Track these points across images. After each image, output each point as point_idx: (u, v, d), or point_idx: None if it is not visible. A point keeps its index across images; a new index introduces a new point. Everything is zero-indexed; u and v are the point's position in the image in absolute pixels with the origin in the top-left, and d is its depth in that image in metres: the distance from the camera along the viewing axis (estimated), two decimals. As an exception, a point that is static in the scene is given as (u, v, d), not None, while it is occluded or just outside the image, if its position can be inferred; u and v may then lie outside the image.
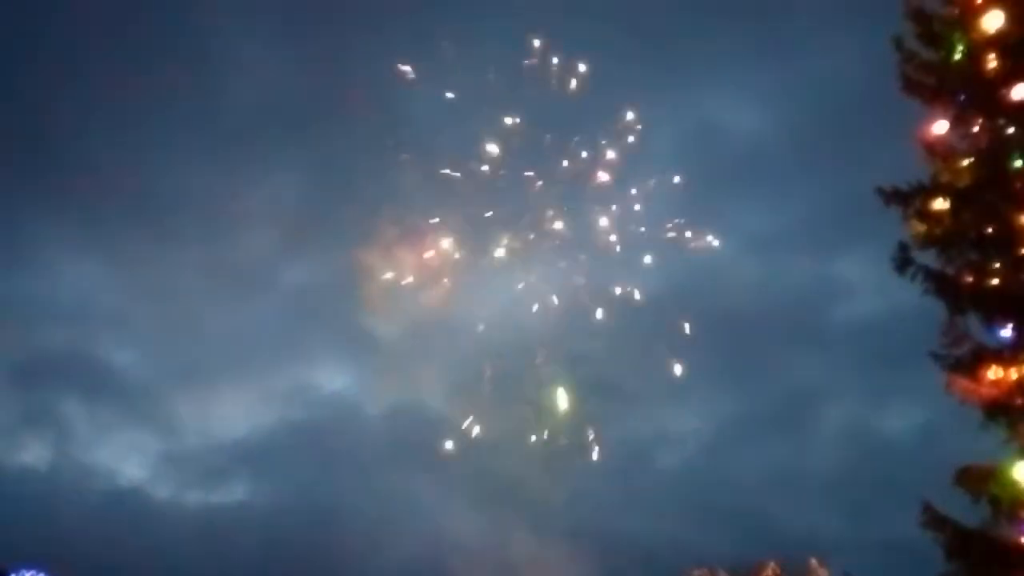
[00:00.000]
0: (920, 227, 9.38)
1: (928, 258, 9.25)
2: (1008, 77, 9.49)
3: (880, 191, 9.66)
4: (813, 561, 27.44)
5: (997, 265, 9.10)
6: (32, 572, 28.88)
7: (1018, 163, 9.35)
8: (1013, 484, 8.04)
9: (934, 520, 8.05)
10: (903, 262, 9.17)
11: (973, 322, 8.98)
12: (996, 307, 8.79)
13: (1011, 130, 9.45)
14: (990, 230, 9.23)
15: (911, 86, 10.00)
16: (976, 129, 9.75)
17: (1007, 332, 8.77)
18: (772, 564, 28.95)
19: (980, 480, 8.30)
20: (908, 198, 9.49)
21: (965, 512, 8.05)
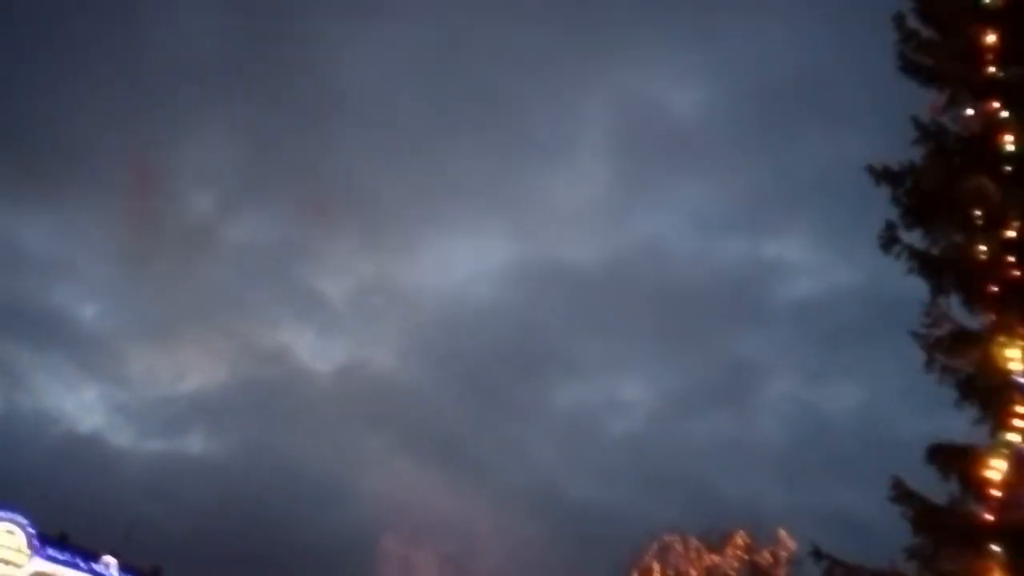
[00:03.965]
0: (907, 206, 9.43)
1: (913, 238, 9.33)
2: (1005, 60, 9.47)
3: (871, 169, 9.70)
4: (782, 532, 27.83)
5: (982, 248, 9.15)
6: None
7: (1010, 147, 9.36)
8: (982, 462, 8.19)
9: (903, 495, 8.23)
10: (889, 241, 9.25)
11: (954, 303, 9.07)
12: (978, 289, 8.87)
13: (1005, 114, 9.45)
14: (978, 213, 9.27)
15: (908, 66, 9.98)
16: (970, 111, 9.76)
17: (987, 314, 8.87)
18: (741, 533, 29.34)
19: (951, 458, 8.46)
20: (898, 177, 9.53)
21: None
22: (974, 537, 8.10)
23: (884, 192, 9.68)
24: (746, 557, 30.21)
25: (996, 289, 8.69)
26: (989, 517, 8.22)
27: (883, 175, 9.67)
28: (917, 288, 9.21)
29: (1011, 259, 8.38)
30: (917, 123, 9.76)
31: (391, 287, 60.20)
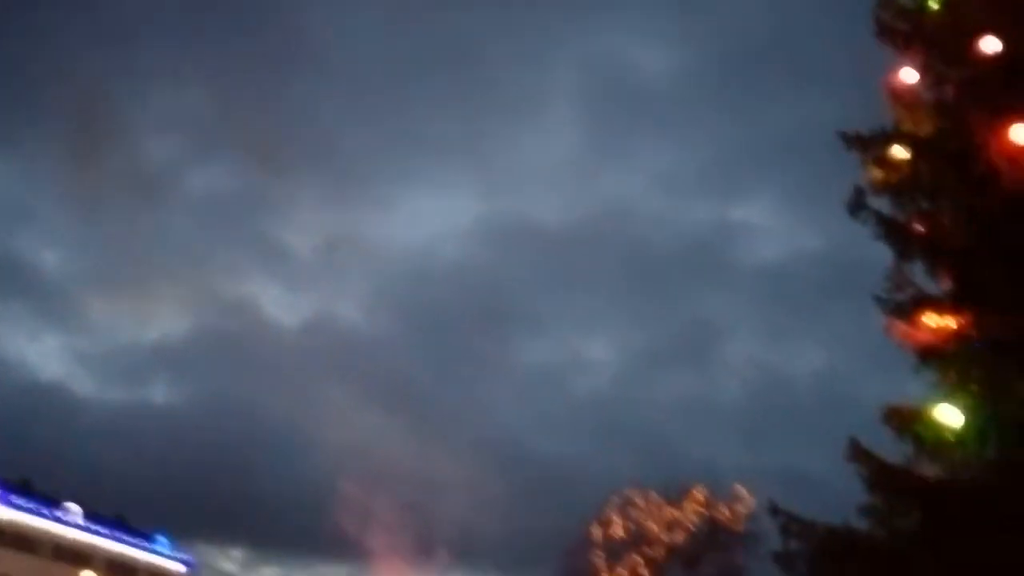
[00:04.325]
0: (877, 173, 9.55)
1: (882, 204, 9.47)
2: (981, 30, 9.51)
3: (842, 135, 9.79)
4: (740, 488, 28.62)
5: (948, 216, 9.30)
6: None
7: (980, 117, 9.44)
8: (937, 424, 8.45)
9: (859, 454, 8.47)
10: (857, 206, 9.38)
11: (918, 270, 9.25)
12: (941, 257, 9.04)
13: (977, 83, 9.53)
14: (945, 181, 9.40)
15: (884, 32, 10.03)
16: (944, 79, 9.85)
17: (949, 282, 9.06)
18: (700, 489, 30.07)
19: (907, 419, 8.71)
20: (868, 143, 9.63)
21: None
22: (925, 495, 8.36)
23: (853, 158, 9.80)
24: (705, 512, 31.05)
25: (958, 257, 8.85)
26: (941, 476, 8.49)
27: (854, 141, 9.77)
28: (881, 253, 9.39)
29: (975, 228, 8.53)
30: (890, 89, 9.85)
31: (358, 241, 59.95)
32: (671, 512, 30.45)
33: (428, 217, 63.97)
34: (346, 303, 64.22)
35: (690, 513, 30.23)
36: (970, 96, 9.46)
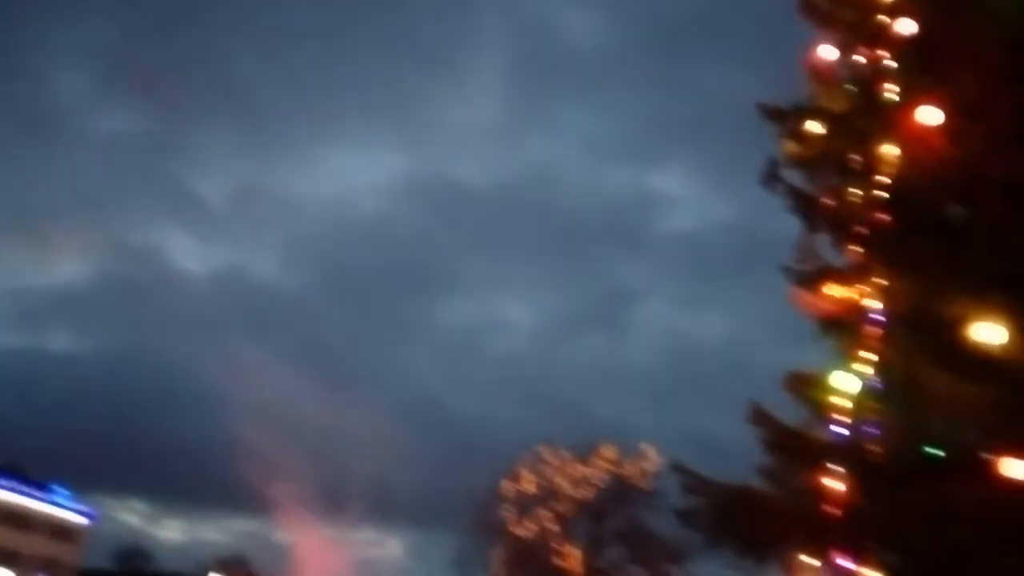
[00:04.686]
0: (792, 146, 9.81)
1: (794, 177, 9.75)
2: (897, 11, 9.78)
3: (761, 107, 10.01)
4: (645, 447, 29.59)
5: (856, 191, 9.63)
6: None
7: (891, 96, 9.76)
8: (833, 390, 8.86)
9: (759, 417, 8.81)
10: (770, 177, 9.64)
11: (824, 242, 9.59)
12: (847, 230, 9.39)
13: (891, 63, 9.83)
14: (856, 157, 9.72)
15: (805, 7, 10.25)
16: (860, 58, 10.12)
17: (853, 254, 9.42)
18: (609, 447, 30.95)
19: (804, 385, 9.11)
20: (785, 117, 9.87)
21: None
22: (819, 457, 8.76)
23: (769, 131, 10.04)
24: (613, 469, 31.94)
25: (864, 231, 9.19)
26: (834, 439, 8.92)
27: (771, 114, 10.01)
28: (790, 226, 9.70)
29: (880, 204, 8.87)
30: (808, 66, 10.09)
31: (276, 193, 58.52)
32: (581, 469, 31.21)
33: (348, 171, 62.83)
34: (260, 255, 62.87)
35: (599, 470, 31.06)
36: (884, 76, 9.76)
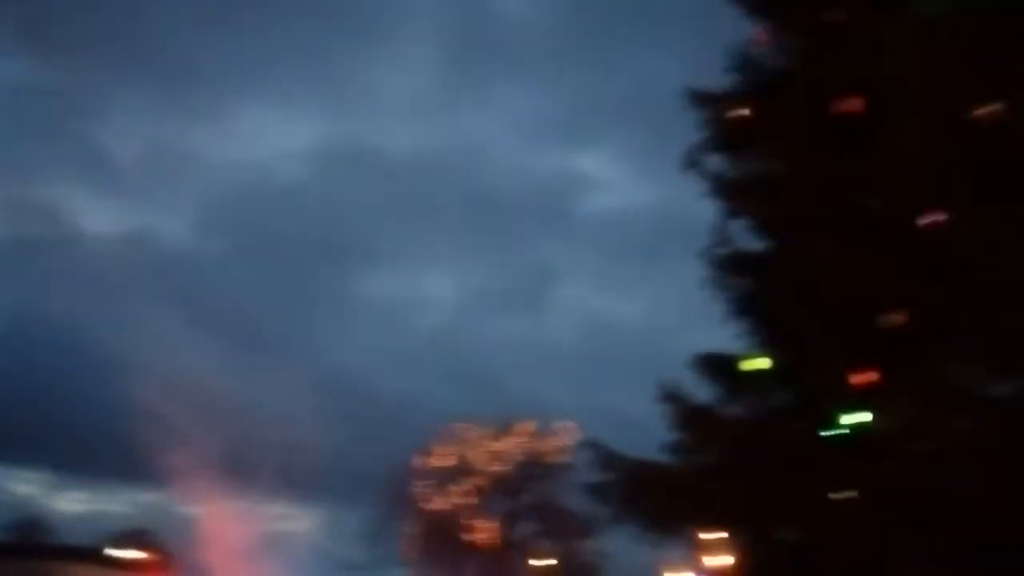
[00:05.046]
0: (715, 132, 9.96)
1: (715, 162, 9.91)
2: (824, 4, 9.90)
3: (687, 92, 10.09)
4: (565, 423, 30.03)
5: (775, 177, 9.84)
6: None
7: (816, 85, 9.92)
8: (741, 372, 9.12)
9: (670, 396, 9.00)
10: (692, 161, 9.76)
11: (740, 227, 9.80)
12: (763, 217, 9.60)
13: (820, 51, 9.96)
14: (775, 145, 9.90)
15: (738, -6, 10.36)
16: (786, 48, 10.29)
17: (767, 239, 9.67)
18: (526, 424, 31.29)
19: (715, 366, 9.35)
20: (710, 102, 10.00)
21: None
22: (726, 434, 9.02)
23: (693, 116, 10.15)
24: (529, 445, 32.22)
25: (779, 216, 9.41)
26: (740, 419, 9.20)
27: (698, 98, 10.12)
28: (708, 210, 9.87)
29: (796, 190, 9.09)
30: (736, 53, 10.22)
31: (191, 154, 56.37)
32: (497, 444, 31.43)
33: (269, 135, 60.80)
34: (171, 217, 60.50)
35: (515, 446, 31.32)
36: (810, 64, 9.91)
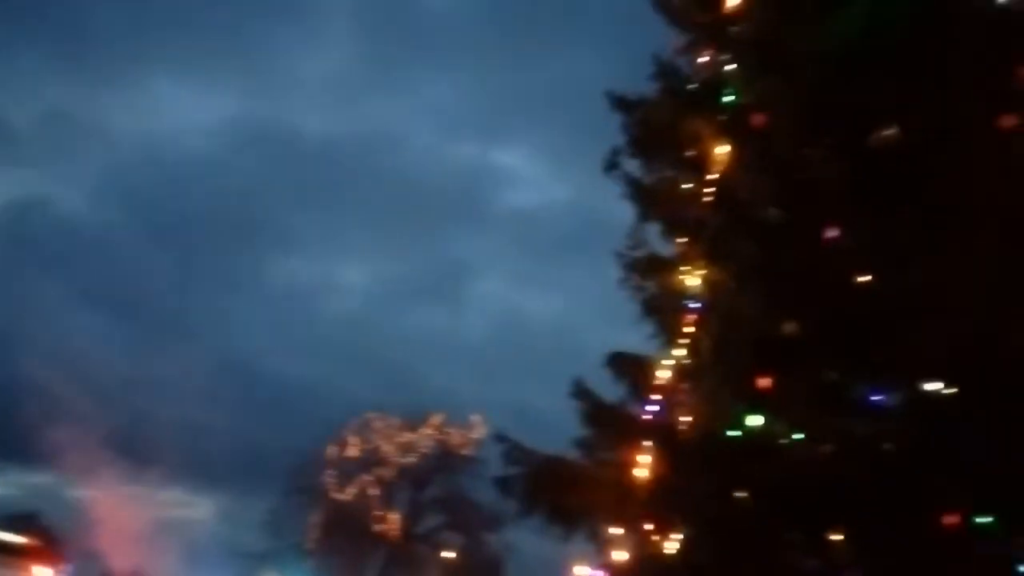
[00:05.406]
0: (633, 137, 10.19)
1: (632, 166, 10.15)
2: (742, 14, 10.19)
3: (610, 95, 10.30)
4: (476, 416, 30.21)
5: (687, 185, 10.14)
6: None
7: (728, 98, 10.26)
8: (650, 371, 9.39)
9: (581, 393, 9.19)
10: (611, 165, 9.99)
11: (654, 231, 10.08)
12: (675, 221, 9.89)
13: (730, 67, 10.31)
14: (690, 153, 10.20)
15: (659, 3, 10.61)
16: (704, 58, 10.60)
17: (678, 244, 9.96)
18: (437, 416, 31.34)
19: (625, 365, 9.59)
20: (630, 107, 10.23)
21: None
22: (632, 432, 9.26)
23: (614, 120, 10.37)
24: (439, 437, 32.22)
25: (689, 223, 9.71)
26: (647, 416, 9.45)
27: (618, 103, 10.33)
28: (624, 213, 10.11)
29: (707, 198, 9.39)
30: (656, 60, 10.47)
31: (91, 121, 53.94)
32: (407, 436, 31.31)
33: (177, 107, 58.25)
34: (68, 187, 57.48)
35: (425, 438, 31.28)
36: (724, 78, 10.22)
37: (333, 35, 58.28)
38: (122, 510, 26.89)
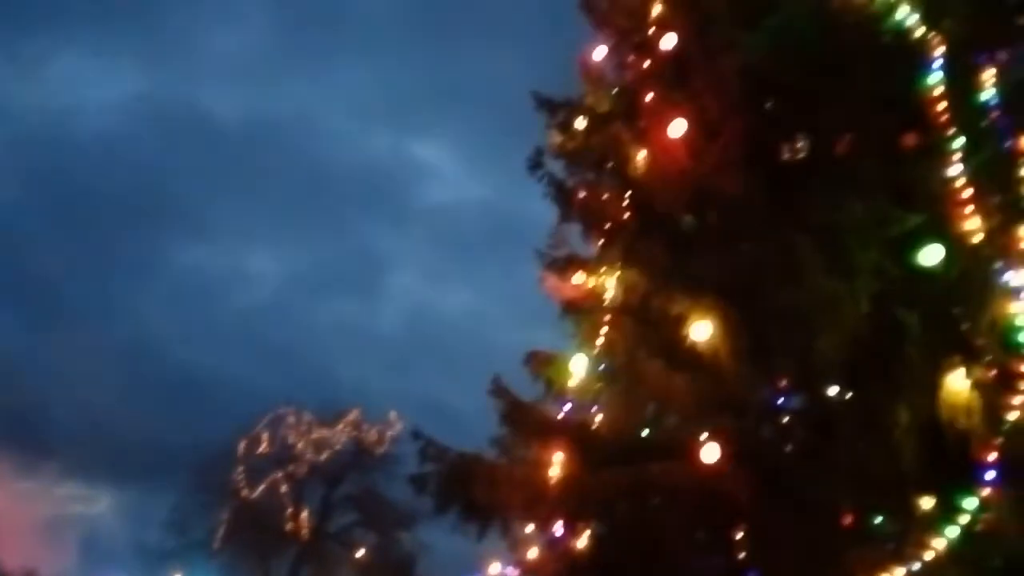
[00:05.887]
0: (557, 138, 10.29)
1: (555, 168, 10.25)
2: (664, 25, 10.39)
3: (535, 96, 10.38)
4: (392, 413, 30.02)
5: (607, 188, 10.30)
6: None
7: (650, 105, 10.44)
8: (565, 371, 9.50)
9: (498, 391, 9.22)
10: (535, 165, 10.06)
11: (574, 231, 10.19)
12: (595, 223, 10.03)
13: (650, 72, 10.47)
14: (609, 156, 10.36)
15: (586, 5, 10.74)
16: (627, 63, 10.76)
17: (597, 245, 10.10)
18: (354, 412, 31.02)
19: (542, 364, 9.68)
20: (555, 109, 10.33)
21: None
22: (545, 431, 9.35)
23: (535, 120, 10.44)
24: (354, 434, 31.87)
25: (608, 225, 9.86)
26: (560, 415, 9.57)
27: (543, 104, 10.42)
28: (541, 213, 10.20)
29: (624, 203, 9.56)
30: (580, 63, 10.60)
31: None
32: (321, 432, 30.85)
33: (80, 82, 55.29)
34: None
35: (340, 433, 30.89)
36: (645, 85, 10.41)
37: (247, 16, 56.70)
38: (15, 506, 25.66)
